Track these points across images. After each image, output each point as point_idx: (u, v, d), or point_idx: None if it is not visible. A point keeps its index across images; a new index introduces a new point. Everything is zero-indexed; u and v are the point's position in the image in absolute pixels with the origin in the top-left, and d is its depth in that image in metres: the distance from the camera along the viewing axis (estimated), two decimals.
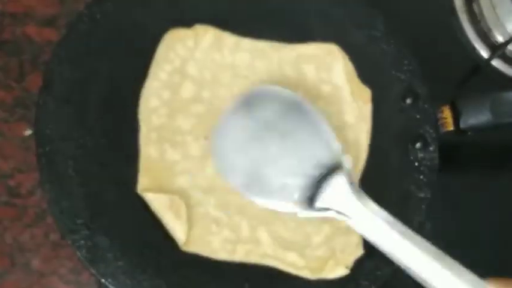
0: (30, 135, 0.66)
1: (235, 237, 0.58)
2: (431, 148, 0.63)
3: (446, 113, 0.64)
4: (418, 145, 0.63)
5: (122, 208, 0.58)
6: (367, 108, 0.64)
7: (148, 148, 0.60)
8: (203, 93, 0.63)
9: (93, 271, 0.55)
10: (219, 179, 0.60)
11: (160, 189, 0.58)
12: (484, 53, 0.75)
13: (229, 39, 0.64)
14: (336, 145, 0.56)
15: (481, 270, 0.68)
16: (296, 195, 0.55)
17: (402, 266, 0.51)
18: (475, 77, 0.75)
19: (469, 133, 0.63)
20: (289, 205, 0.55)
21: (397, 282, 0.61)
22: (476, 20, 0.75)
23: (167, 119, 0.61)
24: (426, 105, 0.64)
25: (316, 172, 0.56)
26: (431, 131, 0.63)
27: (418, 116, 0.64)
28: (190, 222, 0.58)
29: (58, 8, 0.70)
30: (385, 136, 0.64)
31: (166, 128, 0.61)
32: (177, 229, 0.57)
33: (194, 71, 0.63)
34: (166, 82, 0.62)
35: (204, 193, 0.59)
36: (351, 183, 0.55)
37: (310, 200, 0.55)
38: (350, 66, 0.65)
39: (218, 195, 0.59)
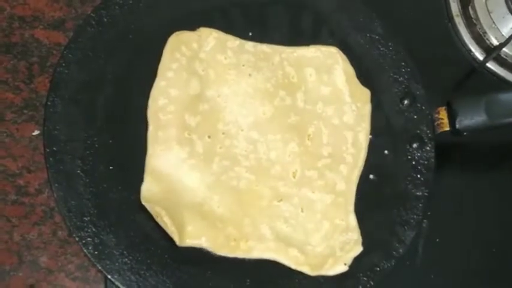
0: (38, 135, 0.67)
1: (239, 234, 0.59)
2: (428, 148, 0.64)
3: (443, 114, 0.65)
4: (415, 145, 0.64)
5: (128, 207, 0.59)
6: (366, 109, 0.66)
7: (155, 146, 0.61)
8: (207, 92, 0.64)
9: (100, 267, 0.56)
10: (223, 176, 0.61)
11: (164, 188, 0.59)
12: (479, 56, 0.76)
13: (232, 42, 0.65)
14: None
15: (478, 267, 0.69)
16: None
17: None
18: (470, 79, 0.77)
19: (465, 133, 0.64)
20: None
21: (395, 279, 0.63)
22: (471, 24, 0.76)
23: (174, 116, 0.62)
24: (423, 107, 0.65)
25: None
26: (428, 131, 0.64)
27: (415, 117, 0.65)
28: (186, 220, 0.58)
29: (66, 11, 0.71)
30: (383, 136, 0.65)
31: (173, 125, 0.61)
32: (169, 233, 0.58)
33: (199, 70, 0.64)
34: (173, 80, 0.63)
35: (209, 190, 0.60)
36: None
37: None
38: (350, 68, 0.66)
39: (222, 193, 0.60)
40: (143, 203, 0.59)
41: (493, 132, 0.66)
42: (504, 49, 0.74)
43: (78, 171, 0.58)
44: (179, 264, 0.58)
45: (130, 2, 0.64)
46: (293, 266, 0.59)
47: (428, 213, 0.67)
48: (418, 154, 0.64)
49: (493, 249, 0.70)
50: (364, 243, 0.60)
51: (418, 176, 0.63)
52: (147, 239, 0.58)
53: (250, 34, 0.66)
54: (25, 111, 0.68)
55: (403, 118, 0.66)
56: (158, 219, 0.58)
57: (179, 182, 0.60)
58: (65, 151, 0.58)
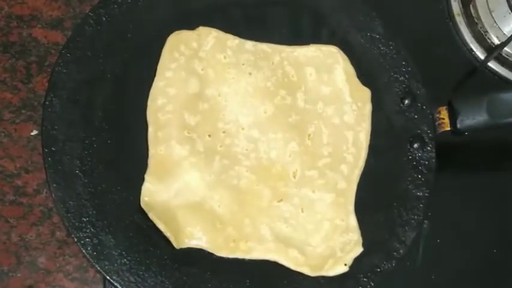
0: (36, 136, 0.67)
1: (238, 235, 0.59)
2: (428, 148, 0.64)
3: (444, 114, 0.65)
4: (416, 145, 0.64)
5: (127, 207, 0.59)
6: (366, 109, 0.65)
7: (156, 147, 0.60)
8: (207, 91, 0.63)
9: (98, 268, 0.56)
10: (224, 175, 0.61)
11: (164, 189, 0.59)
12: (481, 55, 0.76)
13: (232, 41, 0.65)
14: None
15: (478, 268, 0.69)
16: None
17: None
18: (471, 79, 0.76)
19: (466, 133, 0.64)
20: None
21: (395, 279, 0.62)
22: (472, 23, 0.76)
23: (173, 115, 0.61)
24: (424, 106, 0.65)
25: None
26: (428, 131, 0.64)
27: (416, 117, 0.65)
28: (192, 219, 0.58)
29: (64, 10, 0.71)
30: (384, 136, 0.65)
31: (172, 124, 0.61)
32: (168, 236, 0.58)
33: (199, 69, 0.64)
34: (172, 79, 0.62)
35: (209, 189, 0.60)
36: None
37: None
38: (350, 68, 0.66)
39: (222, 192, 0.60)
40: (142, 205, 0.59)
41: (494, 131, 0.66)
42: (505, 48, 0.73)
43: (77, 171, 0.58)
44: (178, 265, 0.58)
45: (129, 1, 0.64)
46: (293, 267, 0.59)
47: (429, 213, 0.67)
48: (419, 154, 0.64)
49: (493, 250, 0.70)
50: (365, 244, 0.60)
51: (419, 176, 0.63)
52: (146, 239, 0.58)
53: (250, 34, 0.66)
54: (23, 111, 0.68)
55: (403, 118, 0.65)
56: (156, 222, 0.58)
57: (180, 181, 0.60)
58: (64, 151, 0.58)
